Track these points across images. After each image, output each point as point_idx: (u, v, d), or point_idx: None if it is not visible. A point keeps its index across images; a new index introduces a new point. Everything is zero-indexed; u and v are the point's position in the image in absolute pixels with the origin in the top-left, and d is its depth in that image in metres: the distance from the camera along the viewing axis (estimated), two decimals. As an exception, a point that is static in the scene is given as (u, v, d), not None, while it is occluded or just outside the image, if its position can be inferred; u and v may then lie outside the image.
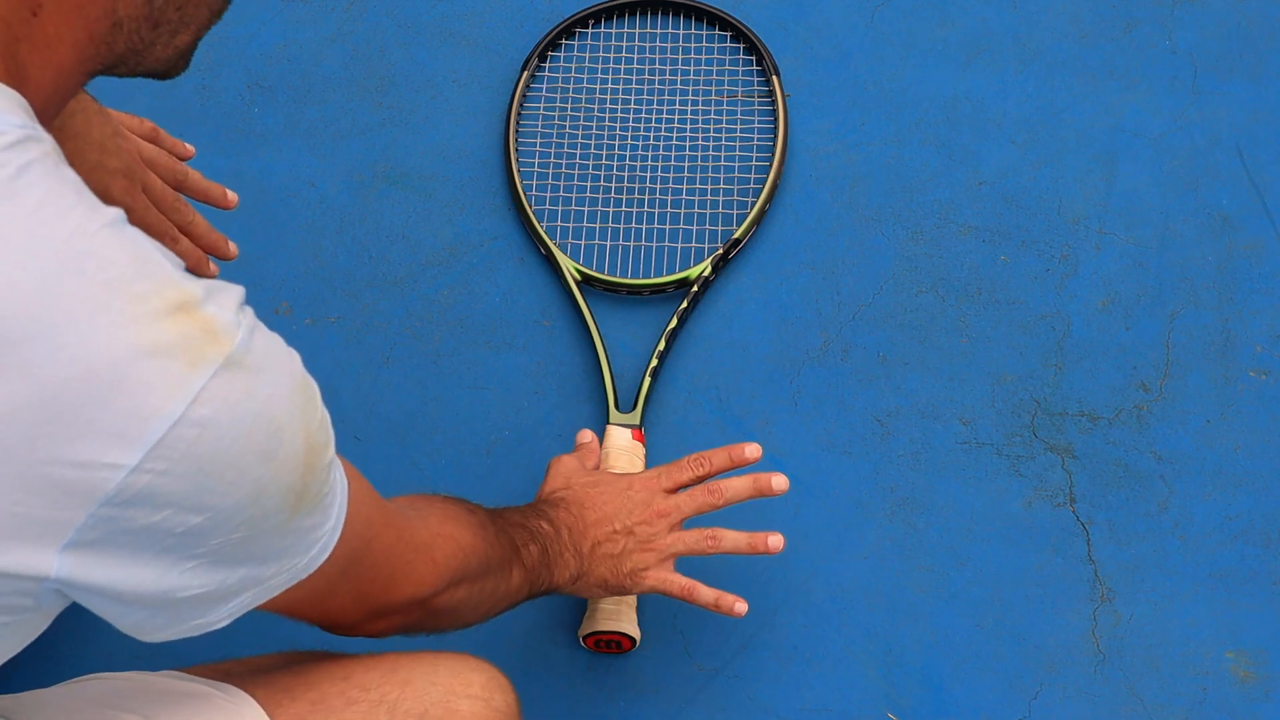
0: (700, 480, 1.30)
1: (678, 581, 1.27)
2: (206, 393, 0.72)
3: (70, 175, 0.73)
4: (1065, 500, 1.46)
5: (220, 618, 0.82)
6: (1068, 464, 1.48)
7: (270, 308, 1.58)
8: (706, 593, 1.28)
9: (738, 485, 1.29)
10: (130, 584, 0.76)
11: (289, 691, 0.96)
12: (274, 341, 0.77)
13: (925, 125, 1.70)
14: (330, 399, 0.85)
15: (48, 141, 0.73)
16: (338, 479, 0.84)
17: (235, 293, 0.76)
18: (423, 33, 1.79)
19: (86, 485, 0.71)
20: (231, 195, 1.34)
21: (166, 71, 0.87)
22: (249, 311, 0.76)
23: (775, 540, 1.28)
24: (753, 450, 1.31)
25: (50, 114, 0.78)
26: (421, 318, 1.59)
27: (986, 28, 1.76)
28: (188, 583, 0.78)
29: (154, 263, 0.73)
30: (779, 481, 1.29)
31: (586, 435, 1.41)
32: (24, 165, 0.70)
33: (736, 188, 1.65)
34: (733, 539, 1.28)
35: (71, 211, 0.71)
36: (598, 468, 1.37)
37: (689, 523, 1.32)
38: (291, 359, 0.78)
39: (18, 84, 0.75)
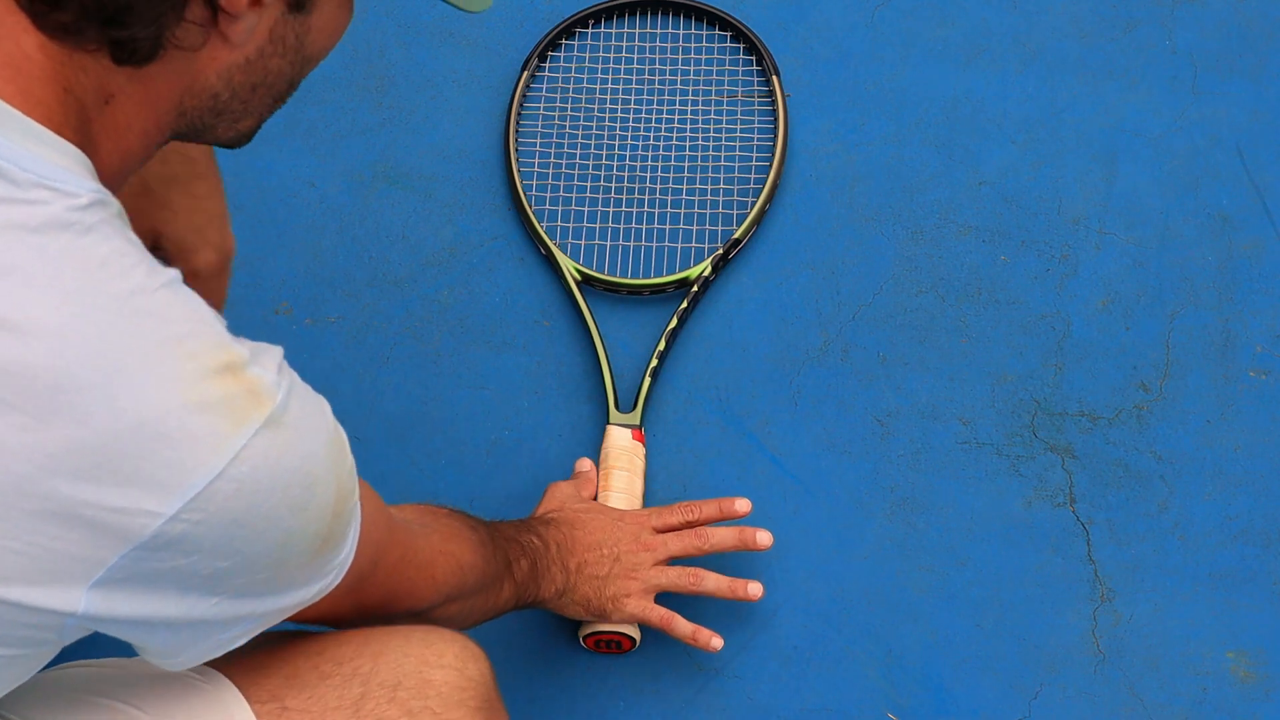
0: (689, 526, 1.35)
1: (657, 611, 1.32)
2: (247, 450, 0.75)
3: (133, 237, 0.77)
4: (1065, 500, 1.46)
5: (235, 636, 0.85)
6: (1068, 464, 1.48)
7: (270, 308, 1.58)
8: (684, 625, 1.32)
9: (723, 534, 1.34)
10: (154, 616, 0.79)
11: (263, 669, 0.98)
12: (310, 399, 0.81)
13: (925, 125, 1.69)
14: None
15: (115, 205, 0.77)
16: (356, 512, 0.87)
17: (276, 354, 0.80)
18: (423, 33, 1.78)
19: (122, 529, 0.74)
20: None
21: (228, 145, 0.91)
22: (288, 370, 0.80)
23: (755, 588, 1.34)
24: (743, 505, 1.36)
25: (114, 187, 0.81)
26: (421, 318, 1.59)
27: (986, 28, 1.76)
28: (209, 615, 0.81)
29: (206, 323, 0.77)
30: (763, 537, 1.35)
31: (585, 464, 1.44)
32: (93, 224, 0.74)
33: (736, 188, 1.65)
34: (714, 580, 1.33)
35: (134, 270, 0.75)
36: (594, 498, 1.40)
37: (672, 564, 1.35)
38: (323, 413, 0.82)
39: (89, 155, 0.79)
